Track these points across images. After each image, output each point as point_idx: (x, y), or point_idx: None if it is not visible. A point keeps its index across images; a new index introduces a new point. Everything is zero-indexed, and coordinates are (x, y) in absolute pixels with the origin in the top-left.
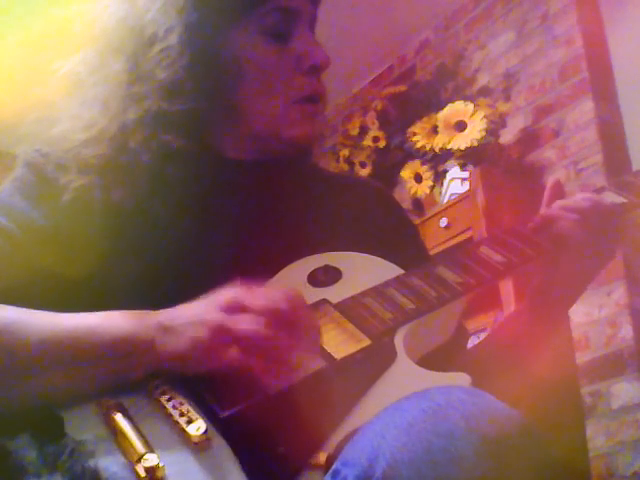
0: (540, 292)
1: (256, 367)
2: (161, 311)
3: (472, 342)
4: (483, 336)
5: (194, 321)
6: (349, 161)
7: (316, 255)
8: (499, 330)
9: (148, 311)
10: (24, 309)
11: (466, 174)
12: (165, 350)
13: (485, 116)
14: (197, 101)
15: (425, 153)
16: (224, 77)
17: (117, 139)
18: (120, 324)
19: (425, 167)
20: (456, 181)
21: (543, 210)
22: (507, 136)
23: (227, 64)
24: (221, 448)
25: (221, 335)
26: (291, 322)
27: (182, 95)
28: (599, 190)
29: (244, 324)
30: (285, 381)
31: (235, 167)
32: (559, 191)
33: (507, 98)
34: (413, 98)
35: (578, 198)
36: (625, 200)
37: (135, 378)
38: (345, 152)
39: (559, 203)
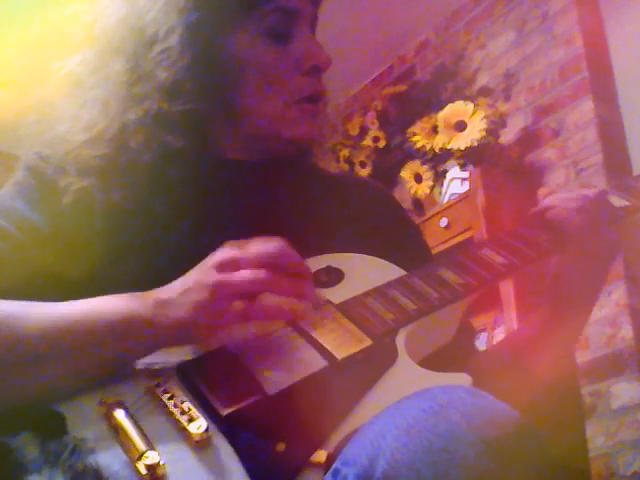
0: (556, 297)
1: (263, 313)
2: (157, 289)
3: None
4: (483, 336)
5: (191, 286)
6: (349, 161)
7: (318, 256)
8: (515, 338)
9: (145, 292)
10: (20, 302)
11: (466, 174)
12: (167, 321)
13: (485, 116)
14: (197, 101)
15: (425, 153)
16: (225, 77)
17: (117, 140)
18: (117, 305)
19: (425, 167)
20: (456, 181)
21: (540, 202)
22: (507, 136)
23: (228, 64)
24: (222, 446)
25: (221, 292)
26: (286, 266)
27: (183, 95)
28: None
29: (241, 276)
30: (294, 316)
31: (235, 167)
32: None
33: (507, 98)
34: (413, 98)
35: (573, 190)
36: (627, 203)
37: (138, 358)
38: (345, 152)
39: (556, 195)
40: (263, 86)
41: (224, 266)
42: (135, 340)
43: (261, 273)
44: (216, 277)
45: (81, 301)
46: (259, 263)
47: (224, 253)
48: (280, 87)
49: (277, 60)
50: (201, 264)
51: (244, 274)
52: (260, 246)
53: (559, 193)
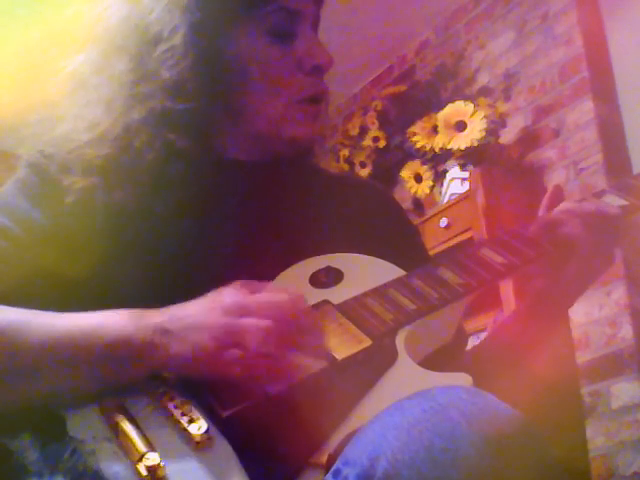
0: (541, 293)
1: (260, 373)
2: (160, 311)
3: (472, 342)
4: (483, 336)
5: (196, 326)
6: (349, 161)
7: (318, 256)
8: (499, 330)
9: (147, 310)
10: (23, 310)
11: (466, 174)
12: (168, 353)
13: (485, 116)
14: (200, 101)
15: (425, 153)
16: (227, 77)
17: (121, 139)
18: (118, 325)
19: (425, 167)
20: (456, 181)
21: (545, 213)
22: (507, 136)
23: (230, 64)
24: (222, 448)
25: (224, 341)
26: (295, 325)
27: (186, 95)
28: (600, 193)
29: (247, 324)
30: (288, 385)
31: (237, 167)
32: (559, 196)
33: (507, 98)
34: (413, 98)
35: (580, 202)
36: (626, 202)
37: (137, 378)
38: (345, 152)
39: (561, 206)
40: (265, 85)
41: (232, 312)
42: (135, 361)
43: (268, 324)
44: (222, 324)
45: (83, 315)
46: (268, 313)
47: (235, 297)
48: (282, 87)
49: (279, 60)
50: (209, 300)
51: (250, 322)
52: (271, 295)
53: (566, 204)
